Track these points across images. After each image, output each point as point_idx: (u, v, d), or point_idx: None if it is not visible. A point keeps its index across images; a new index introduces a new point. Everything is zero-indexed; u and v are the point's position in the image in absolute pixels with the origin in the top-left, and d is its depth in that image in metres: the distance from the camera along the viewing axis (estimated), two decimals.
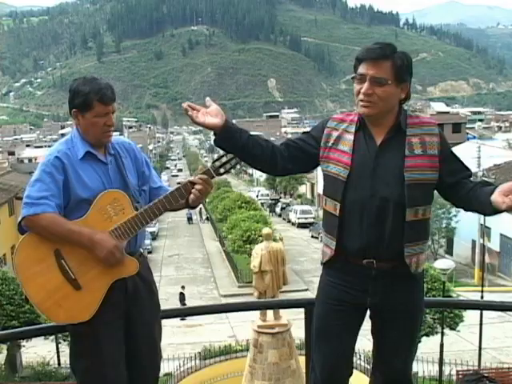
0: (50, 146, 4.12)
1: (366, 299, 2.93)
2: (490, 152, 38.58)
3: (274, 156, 2.95)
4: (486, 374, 10.87)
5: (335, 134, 2.95)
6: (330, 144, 2.95)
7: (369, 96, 2.80)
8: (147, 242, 38.55)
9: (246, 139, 2.89)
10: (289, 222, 54.37)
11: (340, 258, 2.93)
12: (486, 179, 29.87)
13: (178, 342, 20.52)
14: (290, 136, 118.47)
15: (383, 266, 2.87)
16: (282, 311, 12.50)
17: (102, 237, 2.81)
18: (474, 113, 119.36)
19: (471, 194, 2.88)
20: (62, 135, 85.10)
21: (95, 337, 2.89)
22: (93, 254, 2.82)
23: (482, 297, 20.39)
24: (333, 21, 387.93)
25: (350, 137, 2.91)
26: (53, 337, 17.14)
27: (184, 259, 38.95)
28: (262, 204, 58.36)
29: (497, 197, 2.69)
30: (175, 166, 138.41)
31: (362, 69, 2.83)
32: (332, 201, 2.93)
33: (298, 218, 51.13)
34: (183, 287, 27.83)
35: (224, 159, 2.95)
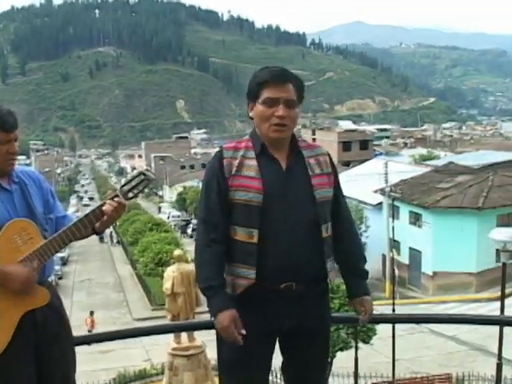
0: None
1: (283, 324, 2.91)
2: (397, 168, 39.59)
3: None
4: None
5: (235, 162, 2.90)
6: (233, 172, 2.88)
7: (284, 119, 2.84)
8: (57, 267, 37.61)
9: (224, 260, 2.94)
10: None
11: (259, 287, 2.87)
12: (393, 194, 30.63)
13: (91, 368, 20.02)
14: (199, 157, 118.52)
15: (301, 287, 2.87)
16: (196, 333, 12.45)
17: (13, 268, 2.70)
18: (381, 130, 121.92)
19: (337, 246, 3.09)
20: None
21: (4, 373, 2.77)
22: (4, 287, 2.71)
23: (393, 310, 20.80)
24: (240, 41, 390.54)
25: (253, 162, 2.88)
26: None
27: (96, 284, 38.22)
28: (173, 226, 58.03)
29: (354, 305, 3.13)
30: (85, 192, 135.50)
31: (271, 93, 2.84)
32: (246, 229, 2.85)
33: None
34: (92, 313, 27.14)
35: (133, 183, 2.87)
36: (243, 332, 2.81)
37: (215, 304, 2.85)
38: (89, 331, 24.15)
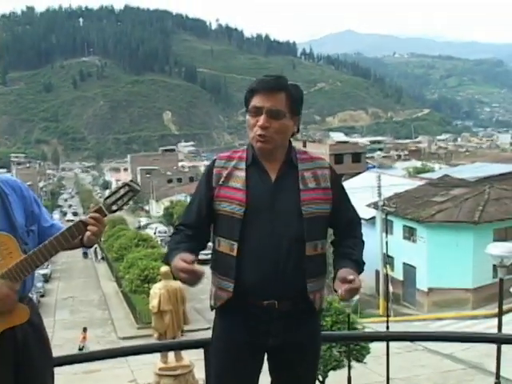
0: None
1: (267, 341, 2.91)
2: (391, 181, 39.76)
3: (201, 238, 3.05)
4: None
5: (225, 172, 2.93)
6: (220, 182, 2.92)
7: (266, 130, 2.82)
8: (39, 284, 37.49)
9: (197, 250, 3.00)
10: None
11: (238, 301, 2.89)
12: (387, 208, 30.65)
13: None
14: (187, 170, 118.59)
15: (285, 305, 2.86)
16: (183, 352, 12.38)
17: None
18: (374, 142, 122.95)
19: (335, 252, 3.06)
20: None
21: None
22: None
23: (387, 327, 20.78)
24: (229, 51, 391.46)
25: (241, 173, 2.91)
26: None
27: (79, 302, 37.99)
28: (160, 241, 57.83)
29: (336, 285, 2.83)
30: (69, 206, 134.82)
31: (257, 101, 2.85)
32: (228, 241, 2.88)
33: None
34: (85, 329, 26.98)
35: (117, 195, 2.85)
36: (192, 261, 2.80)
37: (171, 259, 2.89)
38: (80, 349, 24.08)
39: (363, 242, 3.12)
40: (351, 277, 2.76)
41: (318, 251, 2.92)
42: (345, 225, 3.05)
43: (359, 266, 2.97)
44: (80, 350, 24.20)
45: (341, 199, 3.02)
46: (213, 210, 2.96)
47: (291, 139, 3.02)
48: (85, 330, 26.81)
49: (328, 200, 2.94)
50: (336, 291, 2.83)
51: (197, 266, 2.76)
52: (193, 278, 2.77)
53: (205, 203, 2.97)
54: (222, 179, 2.92)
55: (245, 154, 2.96)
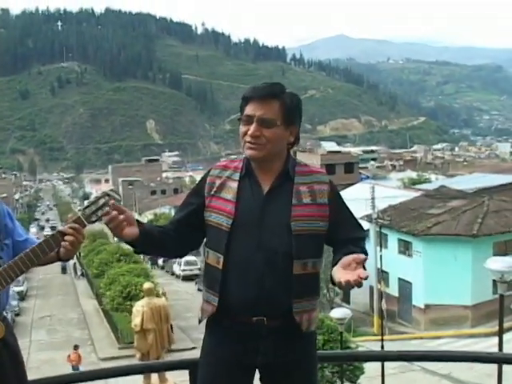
0: None
1: (256, 359, 2.90)
2: (385, 192, 39.88)
3: (178, 239, 3.01)
4: None
5: (218, 181, 2.96)
6: (212, 192, 2.95)
7: (256, 138, 2.83)
8: (14, 302, 37.20)
9: (158, 236, 2.96)
10: (172, 274, 54.11)
11: (225, 316, 2.89)
12: (381, 221, 30.68)
13: None
14: (171, 182, 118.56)
15: (274, 323, 2.85)
16: (167, 373, 12.34)
17: None
18: (367, 151, 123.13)
19: (334, 252, 2.97)
20: None
21: None
22: None
23: (382, 346, 20.78)
24: (215, 57, 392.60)
25: (234, 184, 2.92)
26: None
27: (57, 321, 37.73)
28: (143, 256, 57.74)
29: (335, 271, 2.72)
30: (47, 220, 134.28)
31: (248, 109, 2.86)
32: (215, 253, 2.90)
33: (183, 270, 50.86)
34: (76, 347, 26.55)
35: (96, 205, 2.84)
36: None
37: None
38: (74, 369, 23.81)
39: (366, 255, 2.98)
40: (362, 256, 2.70)
41: (307, 270, 2.89)
42: (344, 243, 2.96)
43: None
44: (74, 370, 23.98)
45: (340, 216, 2.98)
46: (202, 219, 2.98)
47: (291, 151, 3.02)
48: (76, 347, 26.39)
49: (323, 217, 2.91)
50: (334, 284, 2.72)
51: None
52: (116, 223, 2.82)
53: (192, 211, 3.02)
54: (214, 189, 2.95)
55: (241, 165, 2.98)
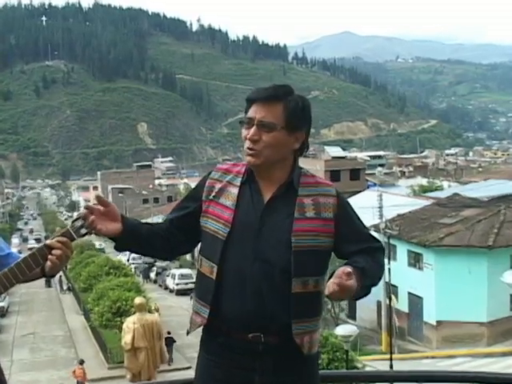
0: None
1: (254, 378, 2.86)
2: (393, 200, 39.86)
3: (169, 240, 3.01)
4: None
5: (218, 186, 2.94)
6: (211, 197, 2.94)
7: (255, 143, 2.82)
8: None
9: (146, 233, 2.96)
10: (166, 288, 54.01)
11: (219, 332, 2.87)
12: (389, 231, 30.65)
13: None
14: (164, 189, 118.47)
15: (272, 340, 2.83)
16: None
17: None
18: (374, 157, 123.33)
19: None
20: None
21: None
22: None
23: (391, 366, 20.78)
24: (212, 55, 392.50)
25: (235, 190, 2.91)
26: None
27: (41, 339, 37.70)
28: (134, 269, 57.73)
29: (327, 285, 2.64)
30: (30, 231, 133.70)
31: (250, 112, 2.86)
32: (209, 262, 2.89)
33: (177, 284, 50.85)
34: (82, 362, 26.40)
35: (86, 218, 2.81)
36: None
37: None
38: None
39: (381, 267, 3.05)
40: (349, 269, 2.59)
41: (308, 289, 2.84)
42: (352, 256, 2.88)
43: (364, 278, 2.77)
44: None
45: (348, 229, 2.93)
46: (197, 224, 2.98)
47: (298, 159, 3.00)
48: (81, 362, 26.22)
49: (328, 233, 2.87)
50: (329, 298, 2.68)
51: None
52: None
53: (183, 210, 3.05)
54: (213, 193, 2.94)
55: (243, 169, 2.96)
